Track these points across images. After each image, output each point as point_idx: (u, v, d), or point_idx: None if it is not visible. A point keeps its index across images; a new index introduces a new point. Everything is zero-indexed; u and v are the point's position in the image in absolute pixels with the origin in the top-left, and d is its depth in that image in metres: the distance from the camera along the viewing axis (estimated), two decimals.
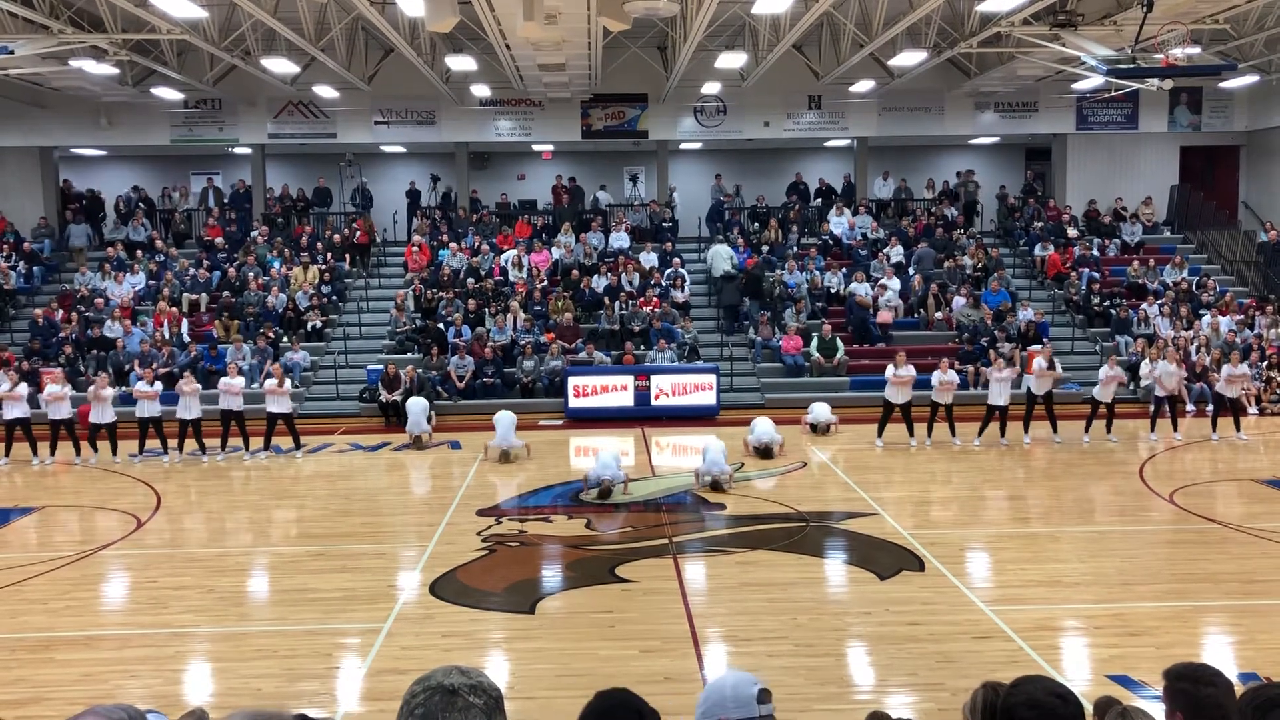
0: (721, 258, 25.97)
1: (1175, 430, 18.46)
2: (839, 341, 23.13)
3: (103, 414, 17.45)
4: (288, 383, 18.65)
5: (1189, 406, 21.18)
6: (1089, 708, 4.06)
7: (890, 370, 18.08)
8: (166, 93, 25.81)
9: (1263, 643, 8.97)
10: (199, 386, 18.52)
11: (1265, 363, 22.05)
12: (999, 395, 17.74)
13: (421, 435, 18.85)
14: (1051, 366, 17.96)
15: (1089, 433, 18.13)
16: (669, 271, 25.64)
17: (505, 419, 17.58)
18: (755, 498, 14.56)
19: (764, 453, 17.21)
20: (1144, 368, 19.44)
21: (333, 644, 9.35)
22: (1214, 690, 2.90)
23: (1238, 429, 18.37)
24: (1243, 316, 23.97)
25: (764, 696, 2.91)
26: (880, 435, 17.95)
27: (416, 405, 18.98)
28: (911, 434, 17.88)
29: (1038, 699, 2.76)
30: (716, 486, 14.88)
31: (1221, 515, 13.23)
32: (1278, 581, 10.68)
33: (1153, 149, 29.03)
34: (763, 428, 17.51)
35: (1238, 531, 12.47)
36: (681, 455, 18.55)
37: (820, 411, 19.42)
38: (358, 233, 27.73)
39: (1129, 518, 13.54)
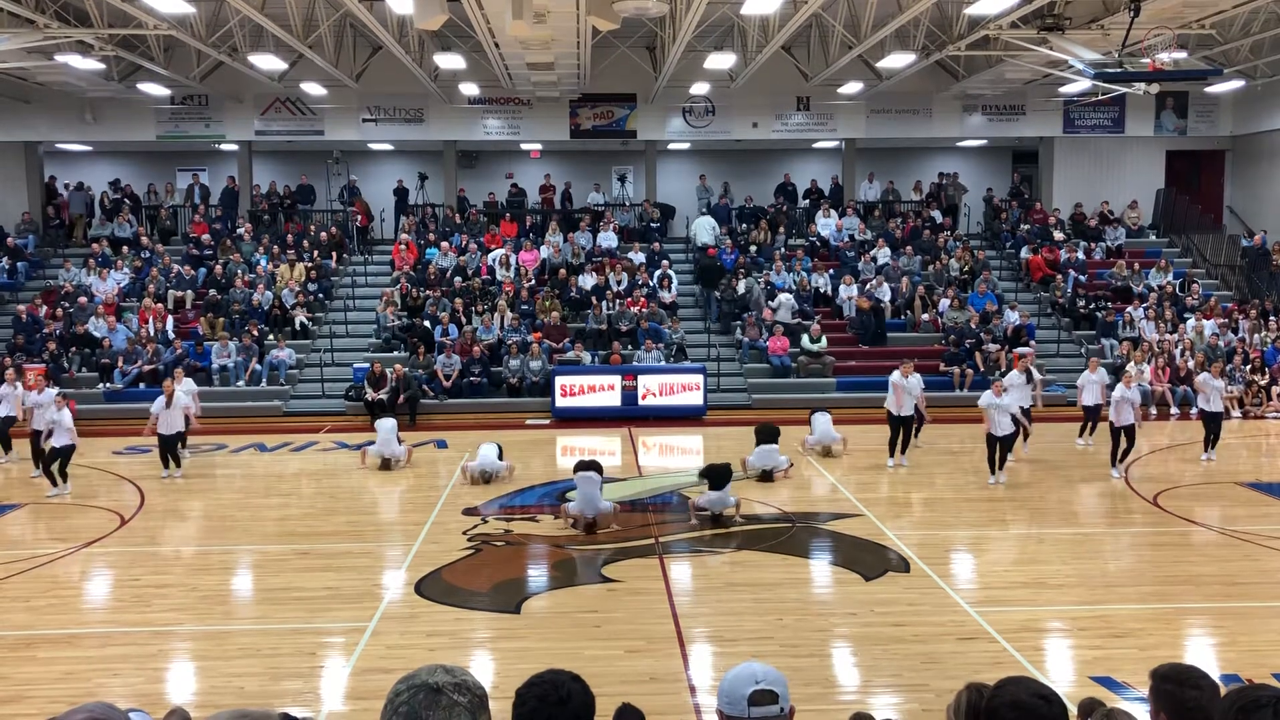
0: (704, 229, 27.24)
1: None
2: (824, 340, 23.19)
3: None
4: (187, 400, 16.73)
5: (1173, 409, 21.31)
6: (1073, 709, 4.07)
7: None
8: (153, 88, 25.68)
9: (1245, 644, 9.02)
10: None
11: (1248, 366, 22.19)
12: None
13: (391, 459, 16.59)
14: (1030, 378, 17.08)
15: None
16: (657, 272, 25.65)
17: (384, 425, 16.73)
18: (742, 498, 14.54)
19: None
20: (1130, 370, 19.48)
21: (317, 643, 9.32)
22: (1198, 693, 2.90)
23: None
24: (1226, 320, 24.11)
25: (760, 698, 2.71)
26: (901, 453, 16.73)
27: (385, 425, 16.93)
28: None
29: (1021, 700, 2.76)
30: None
31: (1205, 518, 13.29)
32: (1260, 584, 10.74)
33: (1139, 153, 29.17)
34: (822, 429, 17.18)
35: (1221, 534, 12.54)
36: (668, 455, 18.56)
37: (823, 431, 17.38)
38: (359, 216, 27.88)
39: (1113, 520, 13.60)
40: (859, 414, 19.24)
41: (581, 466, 13.00)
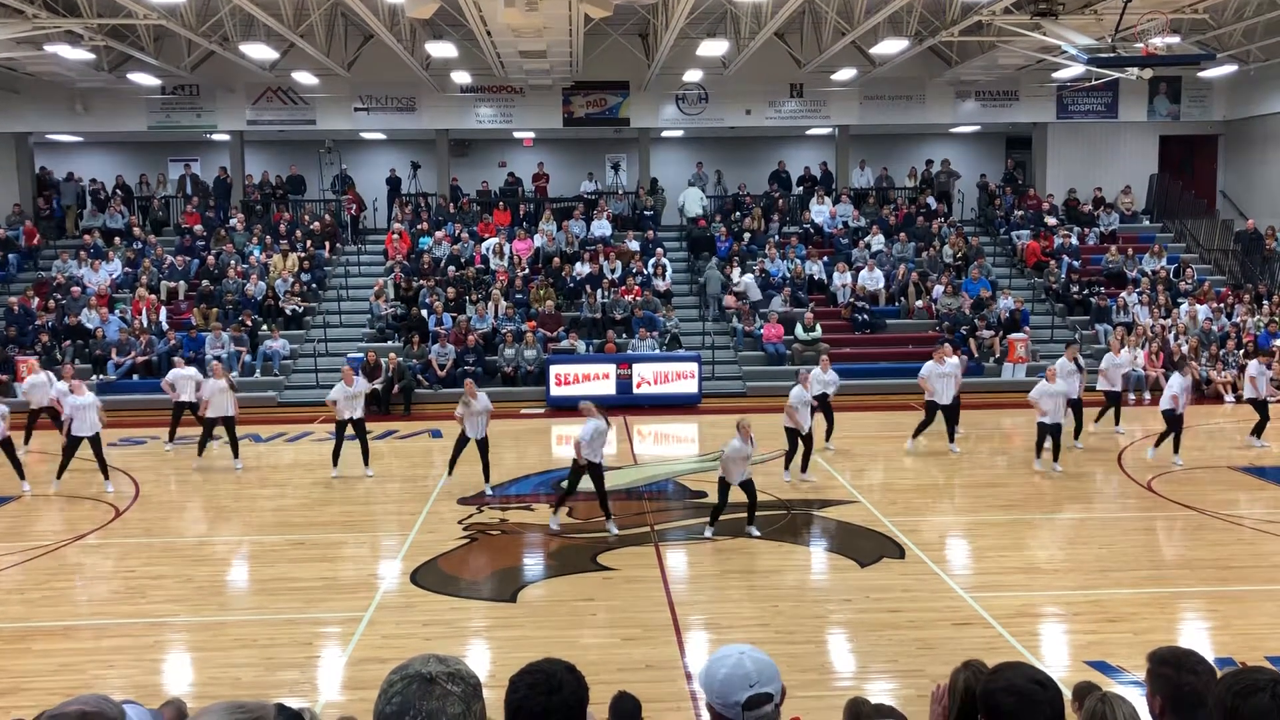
0: (693, 199, 27.90)
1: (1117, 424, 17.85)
2: (818, 327, 23.21)
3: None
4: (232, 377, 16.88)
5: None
6: (1068, 694, 4.08)
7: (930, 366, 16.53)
8: (143, 79, 25.53)
9: (1238, 628, 9.06)
10: None
11: (1242, 351, 22.23)
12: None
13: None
14: (1079, 367, 16.68)
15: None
16: (651, 260, 25.60)
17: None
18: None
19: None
20: (1124, 355, 19.50)
21: (313, 633, 9.33)
22: (1195, 679, 2.90)
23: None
24: (1220, 305, 24.15)
25: (753, 703, 2.66)
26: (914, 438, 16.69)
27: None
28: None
29: (1017, 685, 2.76)
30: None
31: (1198, 502, 13.32)
32: (1253, 568, 10.79)
33: (1132, 138, 29.15)
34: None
35: (1214, 518, 12.57)
36: (663, 443, 18.56)
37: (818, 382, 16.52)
38: (354, 206, 27.83)
39: (1107, 505, 13.64)
40: (854, 401, 19.24)
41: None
